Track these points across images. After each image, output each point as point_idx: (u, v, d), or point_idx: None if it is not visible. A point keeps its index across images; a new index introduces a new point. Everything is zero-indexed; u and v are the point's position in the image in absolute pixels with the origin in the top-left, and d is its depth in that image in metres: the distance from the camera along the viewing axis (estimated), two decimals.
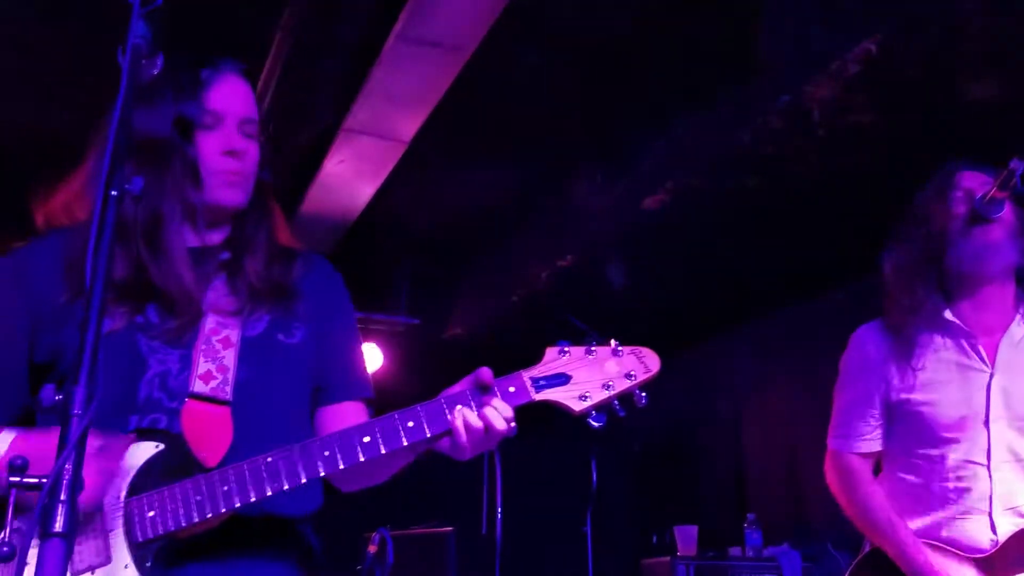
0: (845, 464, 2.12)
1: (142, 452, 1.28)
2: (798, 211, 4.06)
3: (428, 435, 1.29)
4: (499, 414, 1.29)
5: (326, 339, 1.53)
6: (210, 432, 1.33)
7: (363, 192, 4.50)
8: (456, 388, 1.35)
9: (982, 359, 2.01)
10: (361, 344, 1.64)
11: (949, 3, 2.76)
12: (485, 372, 1.33)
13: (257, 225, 1.56)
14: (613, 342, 1.37)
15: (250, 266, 1.49)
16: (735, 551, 4.31)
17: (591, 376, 1.33)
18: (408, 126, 3.91)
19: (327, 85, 3.82)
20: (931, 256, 2.04)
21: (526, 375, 1.34)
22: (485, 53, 3.40)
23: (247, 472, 1.27)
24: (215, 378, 1.37)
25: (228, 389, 1.38)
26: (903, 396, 2.04)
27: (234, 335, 1.42)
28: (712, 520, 4.83)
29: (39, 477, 0.87)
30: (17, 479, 0.89)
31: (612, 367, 1.34)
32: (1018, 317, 2.04)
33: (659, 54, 3.58)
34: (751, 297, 4.99)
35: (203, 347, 1.39)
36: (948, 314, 2.03)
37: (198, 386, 1.36)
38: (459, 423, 1.29)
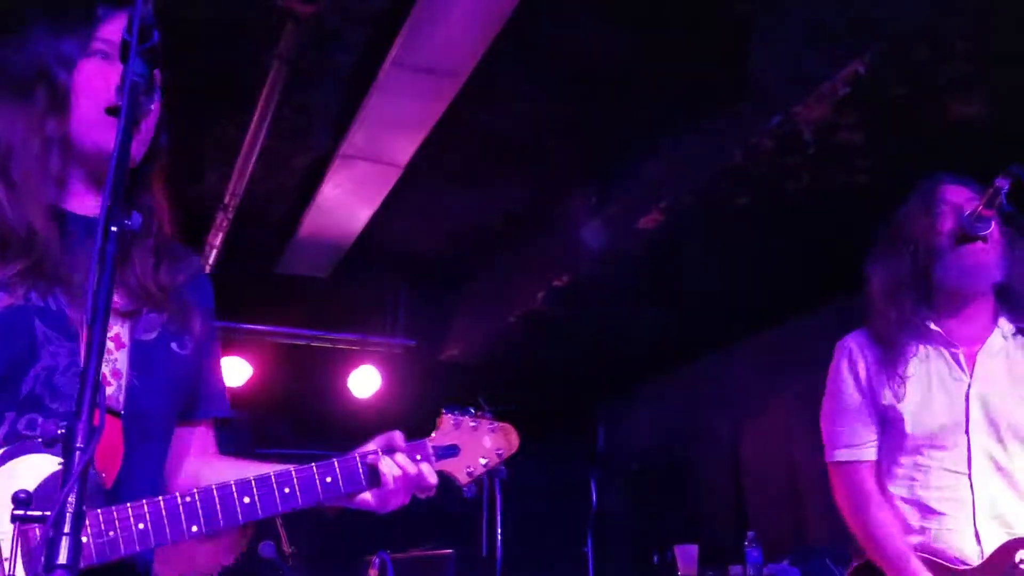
0: (856, 478, 2.07)
1: (41, 467, 1.13)
2: (790, 228, 4.09)
3: (343, 491, 1.34)
4: (430, 469, 1.40)
5: (204, 353, 1.42)
6: (105, 447, 1.19)
7: (360, 216, 4.53)
8: (369, 446, 1.39)
9: (962, 368, 2.04)
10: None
11: (934, 24, 2.80)
12: (398, 435, 1.40)
13: (150, 208, 1.39)
14: (487, 416, 1.51)
15: (140, 262, 1.33)
16: (736, 569, 4.30)
17: (474, 450, 1.47)
18: (404, 150, 3.94)
19: (323, 111, 3.86)
20: (918, 270, 2.07)
21: (430, 444, 1.44)
22: (479, 78, 3.44)
23: (163, 510, 1.18)
24: (110, 384, 1.24)
25: (121, 398, 1.25)
26: (890, 403, 2.05)
27: (124, 335, 1.28)
28: (712, 538, 4.82)
29: (43, 510, 0.87)
30: (21, 512, 0.90)
31: (487, 442, 1.48)
32: (996, 329, 2.07)
33: (652, 76, 3.62)
34: (747, 314, 5.01)
35: None
36: (932, 325, 2.07)
37: None
38: (387, 470, 1.35)
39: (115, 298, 1.23)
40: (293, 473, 1.30)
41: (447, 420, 1.48)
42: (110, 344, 1.26)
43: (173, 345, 1.35)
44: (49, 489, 1.12)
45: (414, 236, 5.04)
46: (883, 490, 2.07)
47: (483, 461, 1.47)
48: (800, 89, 3.13)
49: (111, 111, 1.27)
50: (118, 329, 1.28)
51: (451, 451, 1.45)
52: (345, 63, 3.53)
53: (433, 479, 1.40)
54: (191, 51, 3.39)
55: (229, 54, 3.47)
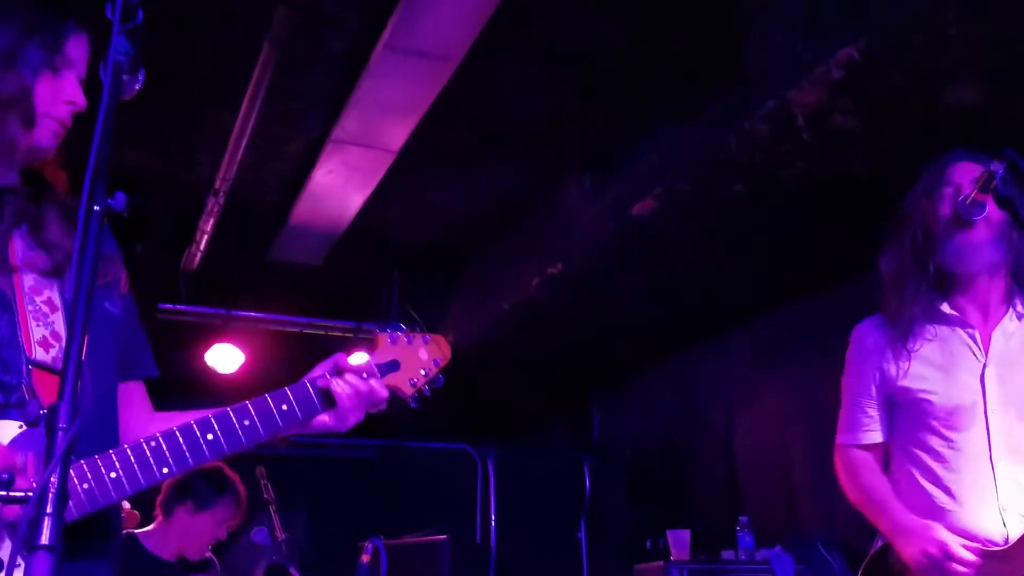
0: (849, 458, 2.15)
1: (4, 432, 1.17)
2: (785, 216, 4.08)
3: (300, 416, 1.40)
4: (380, 384, 1.48)
5: (129, 312, 1.47)
6: None
7: (353, 202, 4.51)
8: (316, 371, 1.47)
9: (977, 347, 2.04)
10: None
11: (931, 10, 2.79)
12: (342, 357, 1.49)
13: (54, 178, 1.45)
14: (417, 330, 1.61)
15: (55, 223, 1.38)
16: (728, 554, 4.31)
17: (413, 363, 1.54)
18: (397, 135, 3.92)
19: (315, 96, 3.83)
20: (921, 255, 2.08)
21: (372, 362, 1.51)
22: (472, 62, 3.42)
23: (132, 456, 1.22)
24: (52, 345, 1.27)
25: None
26: (901, 384, 2.06)
27: (56, 298, 1.32)
28: (705, 524, 4.83)
29: (25, 491, 0.87)
30: (3, 493, 0.90)
31: (424, 354, 1.56)
32: (1010, 311, 2.07)
33: (646, 61, 3.60)
34: (740, 302, 5.01)
35: (30, 308, 1.28)
36: (945, 307, 2.07)
37: (39, 354, 1.26)
38: (340, 390, 1.42)
39: (37, 260, 1.31)
40: (250, 406, 1.35)
41: (383, 338, 1.55)
42: (45, 308, 1.30)
43: (107, 305, 1.39)
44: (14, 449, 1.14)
45: (408, 223, 5.02)
46: (902, 472, 2.08)
47: (423, 372, 1.55)
48: (794, 73, 3.12)
49: (69, 103, 1.38)
50: (48, 293, 1.32)
51: (393, 366, 1.52)
52: (337, 47, 3.50)
53: (384, 393, 1.47)
54: (182, 34, 3.36)
55: (220, 37, 3.44)
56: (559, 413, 6.81)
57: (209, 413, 1.33)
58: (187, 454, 1.27)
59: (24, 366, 1.24)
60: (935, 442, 2.02)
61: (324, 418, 1.44)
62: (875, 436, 2.13)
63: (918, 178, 2.16)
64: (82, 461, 1.19)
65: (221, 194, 4.23)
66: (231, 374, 5.45)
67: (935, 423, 2.02)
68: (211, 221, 4.45)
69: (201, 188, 4.33)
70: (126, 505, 2.96)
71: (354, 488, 6.26)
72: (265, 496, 3.85)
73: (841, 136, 3.41)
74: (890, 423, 2.12)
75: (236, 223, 4.62)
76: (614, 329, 5.45)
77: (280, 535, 3.76)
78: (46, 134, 1.38)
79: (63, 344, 1.26)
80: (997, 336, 2.04)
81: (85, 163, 1.02)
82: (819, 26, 3.04)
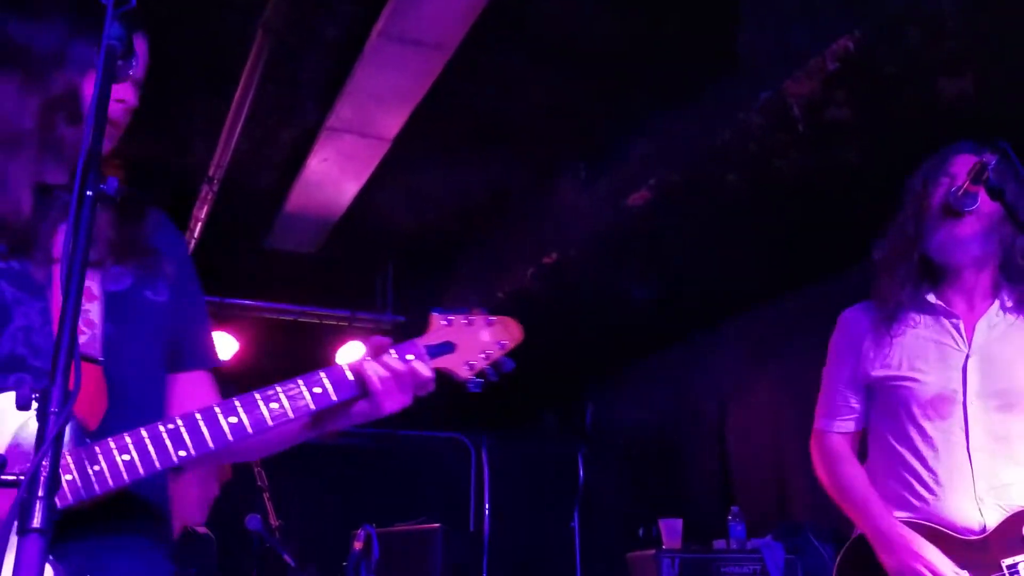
0: (827, 444, 2.16)
1: (17, 415, 1.15)
2: (779, 207, 4.09)
3: (334, 400, 1.31)
4: (424, 365, 1.37)
5: (183, 302, 1.44)
6: (86, 392, 1.18)
7: (347, 190, 4.50)
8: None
9: (960, 338, 2.05)
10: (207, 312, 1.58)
11: (925, 1, 2.79)
12: (384, 340, 1.38)
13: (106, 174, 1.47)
14: (483, 311, 1.47)
15: (101, 219, 1.32)
16: (719, 544, 4.33)
17: (472, 344, 1.42)
18: (391, 124, 3.91)
19: (310, 84, 3.82)
20: (911, 243, 2.08)
21: (421, 343, 1.40)
22: (467, 51, 3.41)
23: (148, 439, 1.17)
24: (83, 333, 1.25)
25: (98, 346, 1.26)
26: (881, 373, 2.07)
27: (95, 287, 1.30)
28: (697, 513, 4.86)
29: (17, 474, 0.87)
30: None
31: (486, 335, 1.43)
32: (996, 303, 2.07)
33: (641, 51, 3.60)
34: (735, 293, 5.02)
35: None
36: (931, 297, 2.08)
37: None
38: (371, 372, 1.32)
39: None
40: (279, 388, 1.27)
41: (437, 320, 1.43)
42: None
43: (147, 293, 1.36)
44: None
45: (403, 212, 5.02)
46: (881, 459, 2.09)
47: (484, 354, 1.42)
48: (789, 64, 3.12)
49: (120, 100, 1.34)
50: (88, 283, 1.27)
51: (445, 348, 1.40)
52: (332, 34, 3.49)
53: (427, 373, 1.37)
54: (176, 21, 3.35)
55: (214, 25, 3.43)
56: (553, 403, 6.83)
57: (237, 397, 1.27)
58: (206, 437, 1.19)
59: (48, 354, 1.19)
60: (914, 430, 2.03)
61: (362, 404, 1.36)
62: (854, 424, 2.14)
63: (918, 167, 2.16)
64: (95, 444, 1.16)
65: (215, 181, 4.22)
66: (224, 362, 5.44)
67: (915, 411, 2.03)
68: (205, 208, 4.44)
69: (195, 175, 4.32)
70: None
71: (348, 476, 6.28)
72: (259, 483, 3.86)
73: (836, 127, 3.42)
74: (869, 410, 2.13)
75: (230, 211, 4.62)
76: (608, 320, 5.46)
77: (274, 522, 3.77)
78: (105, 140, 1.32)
79: (95, 332, 1.25)
80: (981, 327, 2.05)
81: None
82: (814, 17, 3.04)
